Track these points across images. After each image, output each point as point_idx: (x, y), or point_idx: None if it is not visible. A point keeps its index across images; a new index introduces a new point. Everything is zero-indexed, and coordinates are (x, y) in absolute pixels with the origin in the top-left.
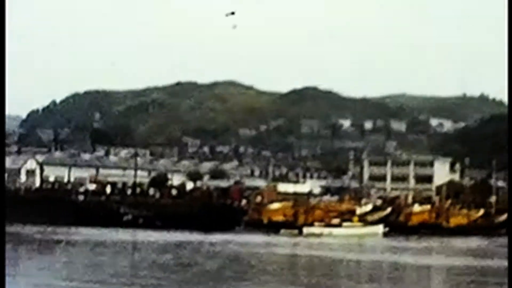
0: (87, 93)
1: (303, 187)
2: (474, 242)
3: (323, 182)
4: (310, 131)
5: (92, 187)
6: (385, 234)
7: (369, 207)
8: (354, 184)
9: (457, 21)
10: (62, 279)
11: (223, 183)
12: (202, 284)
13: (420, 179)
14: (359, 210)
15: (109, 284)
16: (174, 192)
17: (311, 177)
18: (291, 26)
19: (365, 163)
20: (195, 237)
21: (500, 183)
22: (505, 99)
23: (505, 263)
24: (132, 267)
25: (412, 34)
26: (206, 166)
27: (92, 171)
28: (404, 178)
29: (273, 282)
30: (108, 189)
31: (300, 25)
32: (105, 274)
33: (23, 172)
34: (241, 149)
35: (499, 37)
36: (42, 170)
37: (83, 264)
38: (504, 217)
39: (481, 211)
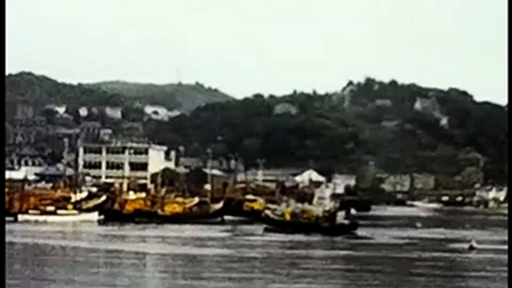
0: None
1: (17, 174)
2: (189, 230)
3: (38, 169)
4: (24, 117)
5: None
6: (101, 222)
7: (84, 194)
8: (69, 171)
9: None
10: None
11: None
12: None
13: (135, 166)
14: (74, 198)
15: None
16: None
17: (26, 164)
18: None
19: (80, 150)
20: None
21: (215, 171)
22: (220, 88)
23: (221, 251)
24: None
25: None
26: None
27: None
28: (119, 166)
29: None
30: None
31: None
32: None
33: None
34: None
35: (214, 28)
36: None
37: None
38: (219, 205)
39: (196, 199)
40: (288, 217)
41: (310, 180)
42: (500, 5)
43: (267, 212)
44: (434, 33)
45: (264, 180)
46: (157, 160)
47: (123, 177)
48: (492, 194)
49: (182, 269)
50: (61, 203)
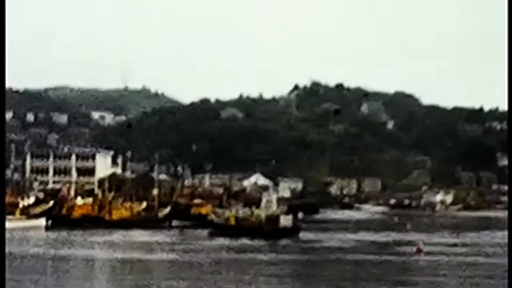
0: None
1: None
2: (137, 235)
3: None
4: None
5: None
6: (49, 227)
7: (31, 200)
8: (17, 177)
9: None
10: None
11: None
12: None
13: (82, 172)
14: (21, 203)
15: None
16: None
17: None
18: None
19: (27, 156)
20: None
21: (162, 176)
22: (166, 92)
23: (168, 256)
24: None
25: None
26: None
27: None
28: (66, 171)
29: None
30: None
31: None
32: None
33: None
34: None
35: (159, 31)
36: None
37: None
38: (166, 210)
39: (144, 204)
40: (232, 221)
41: (256, 184)
42: (445, 7)
43: (212, 216)
44: (379, 35)
45: (211, 185)
46: (104, 165)
47: (70, 183)
48: (439, 197)
49: (130, 275)
50: (9, 209)
